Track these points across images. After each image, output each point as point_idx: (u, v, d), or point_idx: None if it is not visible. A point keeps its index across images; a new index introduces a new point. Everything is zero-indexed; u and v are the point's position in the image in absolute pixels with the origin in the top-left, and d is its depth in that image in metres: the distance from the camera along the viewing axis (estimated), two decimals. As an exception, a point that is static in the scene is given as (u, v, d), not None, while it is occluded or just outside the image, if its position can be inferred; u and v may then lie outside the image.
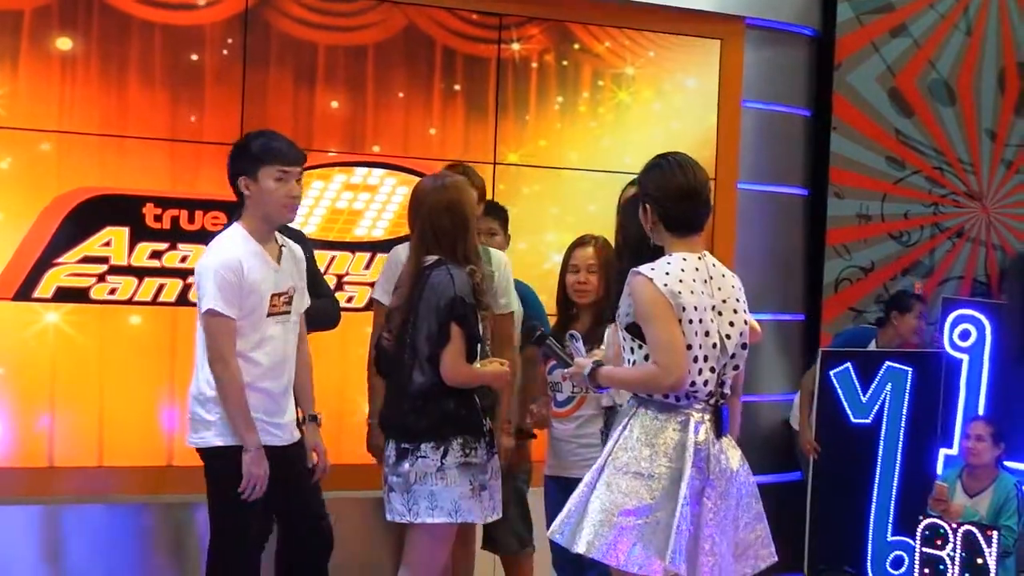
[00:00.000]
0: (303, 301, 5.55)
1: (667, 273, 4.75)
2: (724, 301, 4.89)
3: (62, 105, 6.80)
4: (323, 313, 6.09)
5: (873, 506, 8.07)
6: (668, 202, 4.87)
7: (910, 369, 8.06)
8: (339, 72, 7.36)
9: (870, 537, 8.06)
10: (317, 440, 5.54)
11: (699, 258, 4.87)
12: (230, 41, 7.09)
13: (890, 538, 8.07)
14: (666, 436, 4.76)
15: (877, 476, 8.08)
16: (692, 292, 4.77)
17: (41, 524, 6.74)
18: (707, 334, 4.79)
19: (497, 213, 6.61)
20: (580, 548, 4.71)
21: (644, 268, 4.78)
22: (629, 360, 4.90)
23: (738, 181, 8.32)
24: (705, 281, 4.84)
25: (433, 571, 5.48)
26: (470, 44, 7.64)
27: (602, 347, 5.64)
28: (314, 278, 6.07)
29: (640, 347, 4.83)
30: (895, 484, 8.10)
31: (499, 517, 5.64)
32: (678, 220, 4.89)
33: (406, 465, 5.36)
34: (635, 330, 4.83)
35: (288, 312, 5.43)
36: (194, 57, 7.03)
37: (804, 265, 8.87)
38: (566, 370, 5.12)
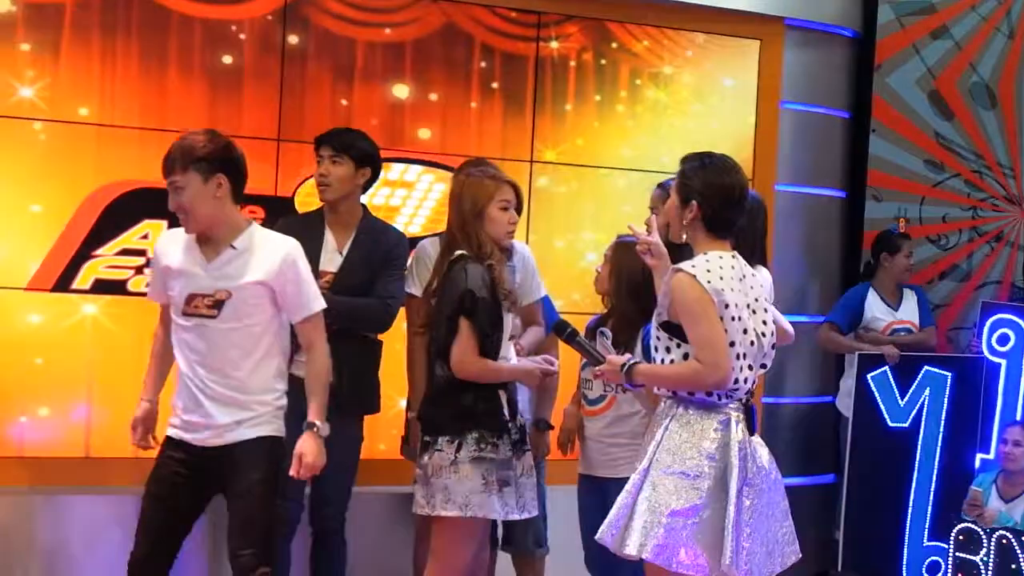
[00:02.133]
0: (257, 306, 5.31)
1: (708, 270, 4.75)
2: (756, 300, 4.90)
3: (102, 98, 6.85)
4: (361, 312, 6.15)
5: (909, 511, 8.03)
6: (717, 202, 4.87)
7: (949, 374, 8.03)
8: (377, 68, 7.39)
9: (906, 542, 8.02)
10: (303, 448, 5.27)
11: (732, 256, 4.88)
12: (269, 36, 7.12)
13: (926, 543, 8.02)
14: (708, 435, 4.77)
15: (914, 481, 8.04)
16: (732, 290, 4.78)
17: (78, 513, 6.79)
18: (745, 331, 4.80)
19: None
20: (631, 550, 4.70)
21: (685, 265, 4.77)
22: (662, 359, 4.89)
23: (776, 182, 8.30)
24: (740, 279, 4.84)
25: (457, 565, 5.46)
26: (508, 42, 7.66)
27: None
28: (378, 277, 6.17)
29: (678, 345, 4.82)
30: (932, 489, 8.06)
31: (531, 515, 5.64)
32: (721, 221, 4.90)
33: (425, 458, 5.39)
34: (671, 328, 4.82)
35: (211, 316, 5.25)
36: (233, 51, 7.07)
37: (841, 267, 8.84)
38: (597, 368, 5.09)
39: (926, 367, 8.02)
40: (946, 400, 8.02)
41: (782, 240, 8.30)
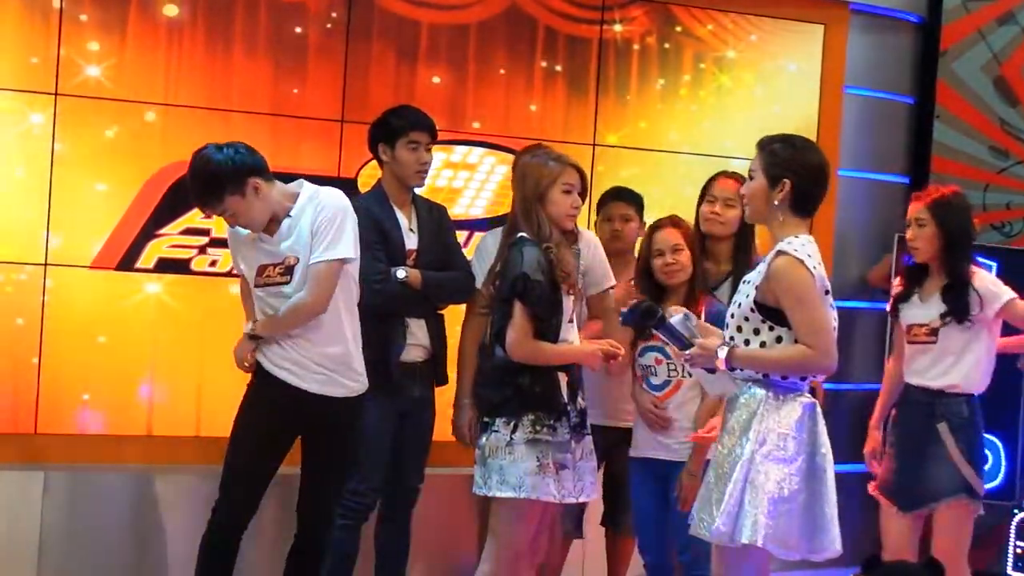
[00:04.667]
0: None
1: (809, 255, 4.73)
2: None
3: (167, 77, 6.88)
4: (454, 285, 6.26)
5: None
6: (813, 181, 4.84)
7: (994, 264, 7.90)
8: (441, 50, 7.39)
9: None
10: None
11: (813, 241, 4.85)
12: (334, 16, 7.13)
13: None
14: (797, 419, 4.75)
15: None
16: (825, 276, 4.77)
17: (139, 491, 6.84)
18: (834, 318, 4.81)
19: (632, 198, 6.63)
20: (745, 539, 4.66)
21: (789, 248, 4.73)
22: (746, 341, 4.83)
23: (839, 168, 8.25)
24: (821, 264, 4.82)
25: (514, 545, 5.45)
26: (572, 25, 7.64)
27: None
28: (449, 250, 6.30)
29: (770, 328, 4.78)
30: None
31: (589, 499, 5.64)
32: (811, 201, 4.87)
33: (483, 438, 5.40)
34: (766, 311, 4.81)
35: (284, 282, 5.43)
36: (298, 32, 7.08)
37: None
38: (688, 351, 5.02)
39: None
40: None
41: (844, 225, 8.29)
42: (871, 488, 6.11)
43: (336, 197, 5.48)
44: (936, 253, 5.95)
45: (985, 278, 5.97)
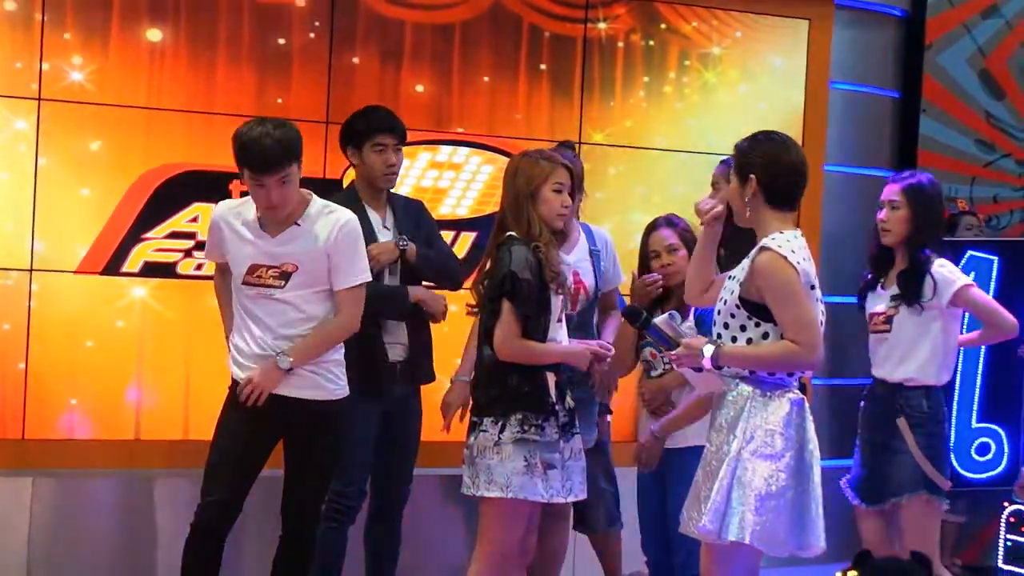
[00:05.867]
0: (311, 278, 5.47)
1: (793, 251, 4.72)
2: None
3: (151, 82, 6.86)
4: (443, 264, 6.35)
5: (956, 392, 7.80)
6: (779, 174, 4.83)
7: (995, 258, 7.89)
8: (426, 50, 7.38)
9: (952, 424, 7.83)
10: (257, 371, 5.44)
11: (800, 235, 4.84)
12: (317, 19, 7.12)
13: (975, 425, 7.91)
14: (785, 415, 4.76)
15: (959, 363, 7.79)
16: (812, 270, 4.76)
17: (127, 495, 6.84)
18: (821, 312, 4.81)
19: None
20: (732, 536, 4.67)
21: (772, 244, 4.73)
22: (734, 338, 4.84)
23: (825, 163, 8.25)
24: (810, 259, 4.81)
25: (502, 545, 5.43)
26: (556, 23, 7.63)
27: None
28: (431, 242, 6.34)
29: (756, 324, 4.78)
30: (979, 370, 7.93)
31: (578, 499, 5.62)
32: (783, 195, 4.85)
33: (471, 438, 5.39)
34: (752, 307, 4.80)
35: (277, 286, 5.41)
36: (282, 35, 7.07)
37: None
38: (674, 351, 5.02)
39: (970, 252, 7.88)
40: (994, 284, 7.86)
41: (831, 220, 8.28)
42: (842, 483, 6.11)
43: (352, 219, 5.50)
44: (904, 237, 5.94)
45: (942, 265, 5.95)
